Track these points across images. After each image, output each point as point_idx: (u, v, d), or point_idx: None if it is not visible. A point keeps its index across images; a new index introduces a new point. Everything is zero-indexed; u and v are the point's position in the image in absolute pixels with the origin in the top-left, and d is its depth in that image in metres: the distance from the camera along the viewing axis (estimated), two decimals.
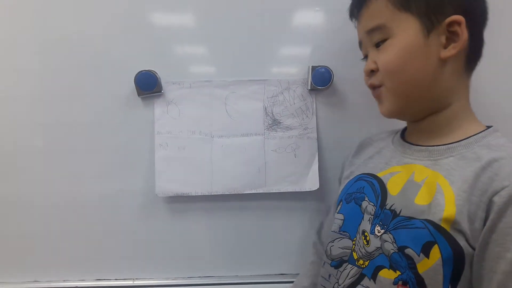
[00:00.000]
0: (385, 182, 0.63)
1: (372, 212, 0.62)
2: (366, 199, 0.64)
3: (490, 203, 0.50)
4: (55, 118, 0.83)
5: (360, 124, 0.85)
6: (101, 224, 0.87)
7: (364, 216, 0.63)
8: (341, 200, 0.71)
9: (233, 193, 0.85)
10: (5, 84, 0.82)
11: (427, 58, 0.59)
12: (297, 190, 0.86)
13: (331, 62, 0.83)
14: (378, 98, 0.66)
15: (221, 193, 0.85)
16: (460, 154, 0.57)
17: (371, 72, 0.64)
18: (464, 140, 0.58)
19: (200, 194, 0.84)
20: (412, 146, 0.65)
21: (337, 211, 0.70)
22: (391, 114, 0.65)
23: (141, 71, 0.80)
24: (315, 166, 0.86)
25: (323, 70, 0.83)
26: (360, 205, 0.65)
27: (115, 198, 0.86)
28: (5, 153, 0.84)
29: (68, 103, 0.83)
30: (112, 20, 0.81)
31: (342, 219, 0.68)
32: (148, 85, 0.80)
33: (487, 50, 0.63)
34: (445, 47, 0.58)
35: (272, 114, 0.86)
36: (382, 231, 0.59)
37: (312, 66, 0.83)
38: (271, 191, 0.85)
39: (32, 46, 0.82)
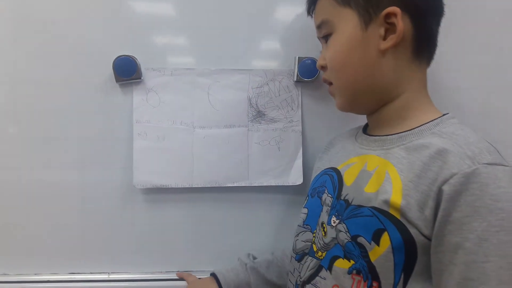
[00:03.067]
0: (342, 173, 0.65)
1: (330, 204, 0.63)
2: (326, 191, 0.66)
3: (439, 191, 0.49)
4: (30, 104, 0.79)
5: (345, 117, 0.81)
6: (75, 216, 0.83)
7: (323, 208, 0.64)
8: (307, 195, 0.72)
9: (214, 185, 0.82)
10: None
11: (366, 50, 0.59)
12: (280, 184, 0.84)
13: (318, 54, 0.81)
14: (332, 94, 0.68)
15: (202, 185, 0.82)
16: (411, 142, 0.57)
17: (323, 68, 0.67)
18: (417, 128, 0.58)
19: (180, 186, 0.81)
20: (369, 137, 0.66)
21: (303, 205, 0.72)
22: (344, 109, 0.67)
23: (120, 56, 0.76)
24: (299, 160, 0.84)
25: (309, 61, 0.81)
26: (320, 198, 0.66)
27: (91, 189, 0.82)
28: None
29: (43, 88, 0.78)
30: (90, 2, 0.77)
31: (306, 213, 0.70)
32: (127, 71, 0.76)
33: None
34: (385, 38, 0.58)
35: (257, 106, 0.83)
36: (337, 221, 0.59)
37: (298, 57, 0.81)
38: (253, 185, 0.83)
39: (5, 30, 0.77)
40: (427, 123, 0.58)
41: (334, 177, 0.66)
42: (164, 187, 0.81)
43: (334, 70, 0.63)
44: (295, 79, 0.82)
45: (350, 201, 0.59)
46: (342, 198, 0.61)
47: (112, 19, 0.78)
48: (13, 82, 0.79)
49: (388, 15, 0.57)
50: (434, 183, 0.50)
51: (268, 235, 0.88)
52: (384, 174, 0.56)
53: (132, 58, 0.76)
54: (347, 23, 0.60)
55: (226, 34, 0.81)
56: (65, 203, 0.83)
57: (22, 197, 0.82)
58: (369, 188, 0.57)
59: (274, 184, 0.84)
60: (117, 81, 0.78)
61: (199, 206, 0.85)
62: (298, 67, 0.81)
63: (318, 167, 0.75)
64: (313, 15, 0.69)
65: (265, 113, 0.83)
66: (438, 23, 0.63)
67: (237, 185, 0.83)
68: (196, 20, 0.80)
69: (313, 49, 0.80)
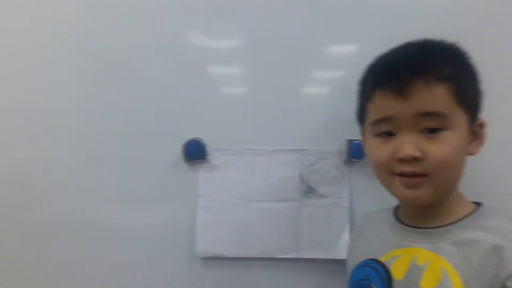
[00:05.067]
0: (388, 267, 0.65)
1: None
2: (373, 286, 0.66)
3: None
4: (108, 178, 0.90)
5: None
6: (138, 279, 0.91)
7: None
8: None
9: (267, 256, 0.89)
10: (63, 146, 0.90)
11: (465, 153, 0.63)
12: (329, 257, 0.89)
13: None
14: (415, 185, 0.61)
15: (255, 256, 0.89)
16: (457, 236, 0.60)
17: (416, 159, 0.59)
18: (460, 222, 0.61)
19: (236, 256, 0.89)
20: (409, 228, 0.66)
21: None
22: (425, 203, 0.63)
23: (189, 139, 0.86)
24: (346, 235, 0.89)
25: (358, 143, 0.88)
26: None
27: (158, 255, 0.91)
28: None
29: (120, 166, 0.90)
30: (165, 92, 0.89)
31: None
32: (195, 153, 0.86)
33: None
34: (470, 142, 0.63)
35: (308, 182, 0.90)
36: None
37: (348, 140, 0.88)
38: (303, 257, 0.89)
39: (92, 110, 0.90)
40: (466, 216, 0.62)
41: (378, 270, 0.66)
42: (222, 256, 0.89)
43: (444, 167, 0.60)
44: (344, 159, 0.89)
45: None
46: None
47: (184, 106, 0.89)
48: (93, 159, 0.90)
49: (482, 125, 0.63)
50: (496, 279, 0.53)
51: None
52: (439, 269, 0.58)
53: (200, 141, 0.86)
54: (462, 125, 0.61)
55: (283, 116, 0.89)
56: (133, 272, 0.91)
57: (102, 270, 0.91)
58: (426, 284, 0.58)
59: (323, 257, 0.89)
60: (185, 161, 0.88)
61: (253, 275, 0.91)
62: (348, 149, 0.88)
63: (355, 256, 0.75)
64: (402, 95, 0.59)
65: (316, 189, 0.90)
66: None
67: (289, 256, 0.89)
68: (256, 107, 0.90)
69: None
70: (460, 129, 0.60)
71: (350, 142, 0.88)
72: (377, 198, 0.88)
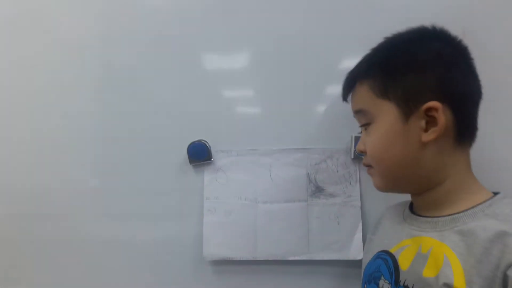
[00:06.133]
0: (396, 257, 0.64)
1: None
2: (382, 277, 0.64)
3: (505, 277, 0.49)
4: (113, 182, 0.92)
5: None
6: (146, 285, 0.91)
7: None
8: (365, 283, 0.71)
9: (276, 259, 0.87)
10: (72, 151, 0.93)
11: (407, 142, 0.60)
12: (341, 258, 0.86)
13: None
14: (370, 174, 0.70)
15: (264, 258, 0.87)
16: (465, 225, 0.56)
17: (362, 152, 0.68)
18: (469, 210, 0.58)
19: (245, 259, 0.87)
20: (419, 217, 0.65)
21: None
22: (383, 189, 0.68)
23: (194, 141, 0.87)
24: (359, 235, 0.85)
25: None
26: (377, 284, 0.65)
27: (165, 260, 0.91)
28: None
29: (126, 169, 0.91)
30: (169, 95, 0.91)
31: None
32: (199, 155, 0.87)
33: None
34: (426, 130, 0.59)
35: (316, 181, 0.88)
36: None
37: (355, 136, 0.86)
38: (314, 259, 0.86)
39: (97, 115, 0.93)
40: (479, 204, 0.58)
41: (388, 261, 0.65)
42: (230, 259, 0.87)
43: (375, 158, 0.65)
44: (352, 157, 0.87)
45: (411, 287, 0.58)
46: (401, 284, 0.60)
47: (187, 106, 0.90)
48: (100, 162, 0.93)
49: (429, 109, 0.58)
50: (498, 268, 0.50)
51: None
52: (441, 257, 0.56)
53: (204, 142, 0.87)
54: (387, 115, 0.61)
55: (286, 115, 0.89)
56: (139, 273, 0.91)
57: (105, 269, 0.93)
58: (428, 273, 0.56)
59: (334, 259, 0.86)
60: (190, 163, 0.88)
61: (262, 277, 0.89)
62: (355, 145, 0.85)
63: (370, 249, 0.75)
64: (348, 100, 0.71)
65: (324, 188, 0.88)
66: (478, 107, 0.63)
67: (298, 258, 0.86)
68: (259, 107, 0.90)
69: None
70: (385, 121, 0.62)
71: (357, 139, 0.85)
72: (391, 195, 0.85)
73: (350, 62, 0.70)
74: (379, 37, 0.67)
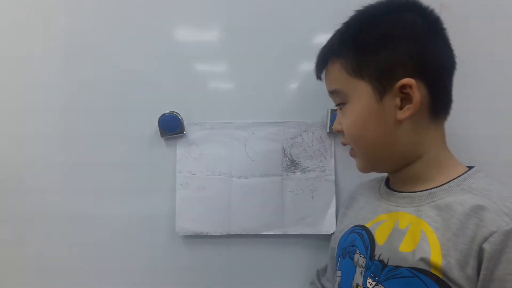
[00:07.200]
0: (372, 232, 0.64)
1: (363, 265, 0.62)
2: (357, 251, 0.65)
3: (480, 250, 0.50)
4: (80, 156, 0.87)
5: None
6: (118, 261, 0.89)
7: (356, 269, 0.64)
8: (339, 256, 0.71)
9: (250, 233, 0.86)
10: (36, 124, 0.88)
11: (383, 120, 0.61)
12: (314, 232, 0.86)
13: None
14: (353, 156, 0.70)
15: (238, 233, 0.86)
16: (442, 199, 0.57)
17: (339, 132, 0.68)
18: (446, 185, 0.59)
19: (218, 233, 0.86)
20: (396, 193, 0.66)
21: (337, 267, 0.71)
22: (365, 170, 0.69)
23: (165, 113, 0.84)
24: (333, 209, 0.86)
25: None
26: (352, 259, 0.66)
27: (136, 236, 0.88)
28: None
29: (94, 142, 0.87)
30: (138, 65, 0.86)
31: (340, 276, 0.69)
32: (171, 127, 0.83)
33: None
34: (401, 108, 0.59)
35: (291, 156, 0.87)
36: (374, 283, 0.59)
37: (331, 110, 0.84)
38: (288, 233, 0.86)
39: (63, 86, 0.87)
40: (454, 178, 0.59)
41: (364, 236, 0.65)
42: (204, 234, 0.86)
43: (352, 138, 0.65)
44: (327, 130, 0.86)
45: (386, 261, 0.59)
46: (376, 258, 0.60)
47: (159, 78, 0.86)
48: (64, 135, 0.87)
49: (403, 86, 0.58)
50: (474, 241, 0.51)
51: (302, 280, 0.89)
52: (419, 233, 0.56)
53: (175, 114, 0.84)
54: (361, 94, 0.61)
55: (261, 89, 0.86)
56: (109, 248, 0.88)
57: (72, 247, 0.89)
58: (404, 248, 0.57)
59: (308, 233, 0.86)
60: (162, 136, 0.85)
61: (236, 252, 0.88)
62: (331, 119, 0.84)
63: (344, 223, 0.75)
64: (322, 78, 0.70)
65: (299, 162, 0.87)
66: (452, 78, 0.63)
67: (272, 232, 0.86)
68: (233, 78, 0.87)
69: None
70: (359, 100, 0.61)
71: (333, 112, 0.84)
72: None
73: (326, 35, 0.68)
74: (353, 10, 0.65)
